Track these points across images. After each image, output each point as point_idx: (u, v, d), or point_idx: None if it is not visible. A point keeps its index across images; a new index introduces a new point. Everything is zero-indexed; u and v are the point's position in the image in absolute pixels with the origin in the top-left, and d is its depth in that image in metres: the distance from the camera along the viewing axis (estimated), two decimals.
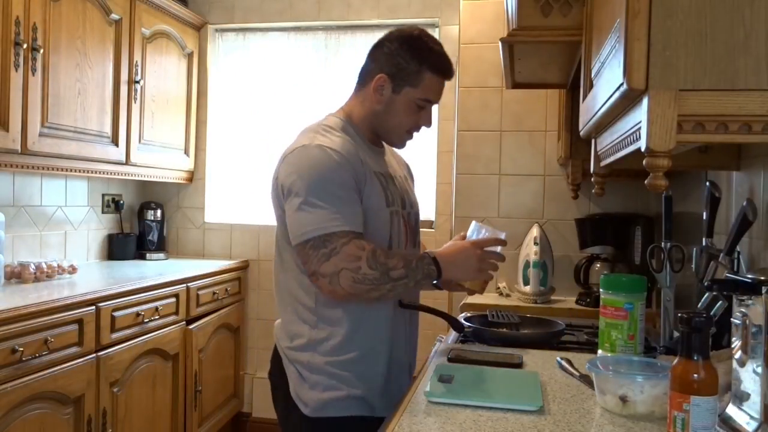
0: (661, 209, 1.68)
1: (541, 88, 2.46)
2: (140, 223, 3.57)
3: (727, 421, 0.96)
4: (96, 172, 2.85)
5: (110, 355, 2.39)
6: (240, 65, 3.77)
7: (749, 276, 0.94)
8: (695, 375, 0.83)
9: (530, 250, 2.43)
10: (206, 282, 3.16)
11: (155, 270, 3.05)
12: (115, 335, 2.44)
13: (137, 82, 3.05)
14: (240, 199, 3.79)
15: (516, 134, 2.72)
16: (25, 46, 2.33)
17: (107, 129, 2.88)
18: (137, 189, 3.69)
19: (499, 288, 2.58)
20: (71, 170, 2.69)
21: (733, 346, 0.96)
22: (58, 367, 2.13)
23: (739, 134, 0.84)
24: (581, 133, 1.40)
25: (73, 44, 2.63)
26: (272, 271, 1.60)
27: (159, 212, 3.62)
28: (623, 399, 1.09)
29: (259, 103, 3.74)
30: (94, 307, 2.31)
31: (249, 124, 3.76)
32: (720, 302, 1.29)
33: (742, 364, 0.94)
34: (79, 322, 2.23)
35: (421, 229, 1.70)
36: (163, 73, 3.32)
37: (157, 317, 2.70)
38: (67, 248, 3.13)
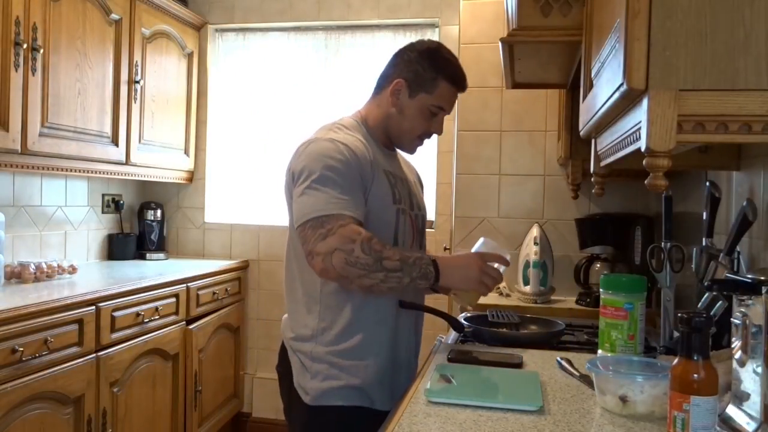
0: (661, 209, 1.68)
1: (541, 88, 2.46)
2: (140, 223, 3.57)
3: (727, 421, 0.96)
4: (96, 172, 2.85)
5: (110, 355, 2.39)
6: (240, 65, 3.77)
7: (749, 276, 0.94)
8: (695, 375, 0.83)
9: (530, 250, 2.43)
10: (206, 282, 3.16)
11: (155, 270, 3.05)
12: (115, 335, 2.44)
13: (137, 82, 3.05)
14: (240, 199, 3.79)
15: (516, 134, 2.73)
16: (25, 46, 2.33)
17: (107, 129, 2.88)
18: (137, 189, 3.69)
19: (499, 288, 2.58)
20: (71, 170, 2.69)
21: (733, 346, 0.96)
22: (58, 367, 2.13)
23: (739, 134, 0.84)
24: (581, 133, 1.40)
25: (73, 44, 2.63)
26: (282, 266, 1.61)
27: (159, 212, 3.62)
28: (623, 399, 1.09)
29: (259, 103, 3.74)
30: (94, 307, 2.31)
31: (249, 124, 3.76)
32: (720, 302, 1.29)
33: (742, 364, 0.94)
34: (79, 322, 2.23)
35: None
36: (163, 73, 3.33)
37: (157, 317, 2.70)
38: (67, 248, 3.13)
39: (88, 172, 2.80)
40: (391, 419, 1.12)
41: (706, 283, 1.21)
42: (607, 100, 1.00)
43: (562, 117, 2.36)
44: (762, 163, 1.39)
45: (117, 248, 3.42)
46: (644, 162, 0.87)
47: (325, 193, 1.39)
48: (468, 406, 1.13)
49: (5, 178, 2.75)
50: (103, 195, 3.40)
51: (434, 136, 1.65)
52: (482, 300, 2.28)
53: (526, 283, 2.42)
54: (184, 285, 2.95)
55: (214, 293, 3.24)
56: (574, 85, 2.09)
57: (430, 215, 3.40)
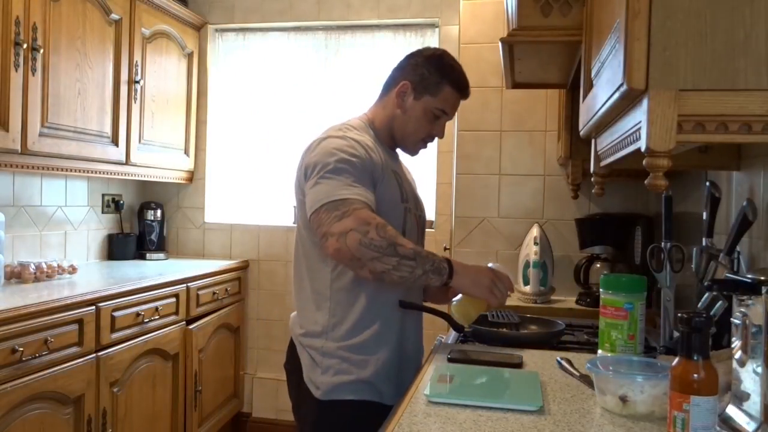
0: (661, 209, 1.68)
1: (541, 88, 2.46)
2: (140, 223, 3.57)
3: (727, 421, 0.96)
4: (96, 172, 2.85)
5: (110, 355, 2.39)
6: (240, 65, 3.77)
7: (749, 276, 0.94)
8: (695, 375, 0.83)
9: (530, 250, 2.43)
10: (206, 282, 3.16)
11: (155, 270, 3.05)
12: (115, 335, 2.44)
13: (137, 82, 3.05)
14: (240, 199, 3.79)
15: (516, 134, 2.73)
16: (25, 46, 2.33)
17: (107, 129, 2.88)
18: (137, 189, 3.69)
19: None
20: (71, 170, 2.69)
21: (733, 346, 0.96)
22: (58, 367, 2.13)
23: (739, 134, 0.84)
24: (581, 133, 1.40)
25: (73, 44, 2.63)
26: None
27: (159, 212, 3.62)
28: (623, 399, 1.09)
29: (259, 103, 3.74)
30: (94, 307, 2.31)
31: (249, 124, 3.76)
32: (720, 302, 1.29)
33: (742, 364, 0.94)
34: (79, 322, 2.23)
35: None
36: (163, 73, 3.33)
37: (157, 317, 2.70)
38: (67, 248, 3.13)
39: (88, 172, 2.80)
40: (391, 419, 1.12)
41: (706, 283, 1.21)
42: (607, 100, 1.00)
43: (562, 117, 2.36)
44: (762, 163, 1.39)
45: (117, 248, 3.42)
46: (644, 162, 0.87)
47: (339, 180, 1.42)
48: (468, 406, 1.13)
49: (5, 178, 2.75)
50: (103, 195, 3.40)
51: (435, 139, 1.68)
52: None
53: (526, 283, 2.42)
54: (184, 285, 2.95)
55: (214, 293, 3.24)
56: (574, 85, 2.09)
57: (431, 215, 3.41)
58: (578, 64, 1.61)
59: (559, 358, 1.46)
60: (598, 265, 2.45)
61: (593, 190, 1.55)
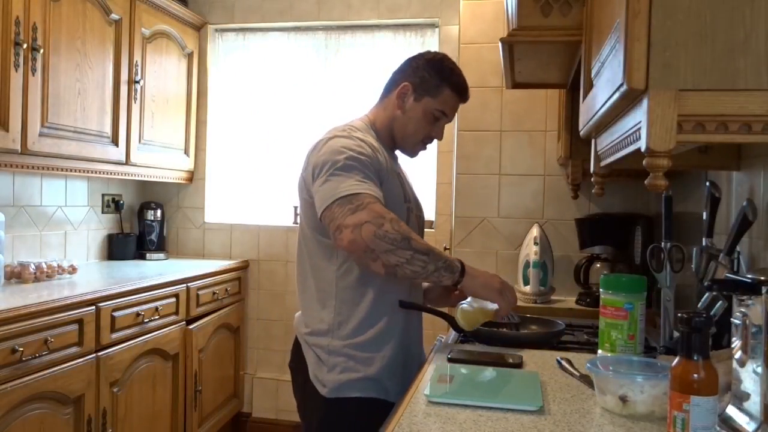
0: (661, 209, 1.68)
1: (541, 88, 2.46)
2: (140, 223, 3.57)
3: (727, 421, 0.96)
4: (96, 172, 2.85)
5: (110, 355, 2.39)
6: (240, 65, 3.77)
7: (749, 276, 0.94)
8: (695, 375, 0.83)
9: (530, 250, 2.43)
10: (206, 282, 3.16)
11: (155, 270, 3.05)
12: (115, 335, 2.44)
13: (137, 82, 3.05)
14: (240, 199, 3.79)
15: (516, 134, 2.73)
16: (25, 46, 2.33)
17: (107, 129, 2.88)
18: (137, 189, 3.69)
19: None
20: (71, 170, 2.69)
21: (733, 346, 0.96)
22: (58, 367, 2.13)
23: (739, 134, 0.83)
24: (581, 133, 1.40)
25: (73, 44, 2.63)
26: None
27: (159, 212, 3.62)
28: (623, 399, 1.09)
29: (259, 103, 3.74)
30: (94, 307, 2.31)
31: (249, 124, 3.76)
32: (720, 302, 1.29)
33: (742, 364, 0.94)
34: (79, 322, 2.23)
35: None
36: (163, 73, 3.33)
37: (157, 317, 2.70)
38: (67, 248, 3.13)
39: (88, 172, 2.80)
40: (391, 419, 1.12)
41: (706, 283, 1.21)
42: (607, 100, 1.00)
43: (562, 117, 2.36)
44: (762, 163, 1.39)
45: (117, 248, 3.42)
46: (644, 162, 0.87)
47: (350, 177, 1.44)
48: (468, 406, 1.13)
49: (5, 178, 2.75)
50: (103, 195, 3.40)
51: (434, 140, 1.70)
52: None
53: (526, 283, 2.42)
54: (184, 285, 2.95)
55: (214, 293, 3.24)
56: (574, 85, 2.09)
57: (431, 215, 3.41)
58: (578, 64, 1.61)
59: (559, 358, 1.46)
60: (598, 265, 2.45)
61: (593, 190, 1.55)
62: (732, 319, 0.96)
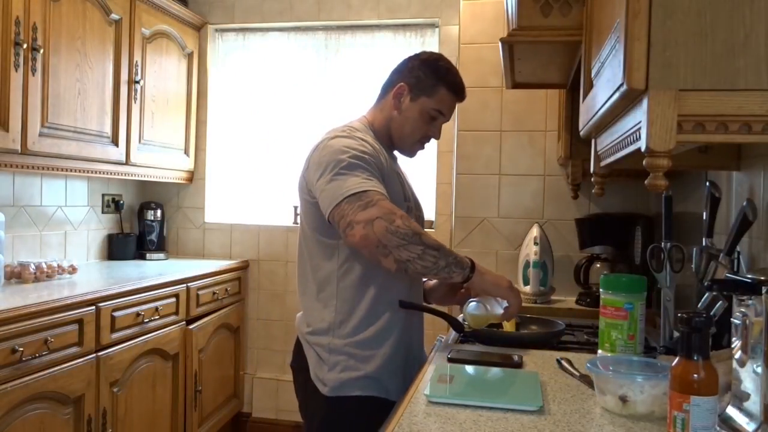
0: (661, 209, 1.68)
1: (541, 88, 2.46)
2: (140, 223, 3.57)
3: (727, 421, 0.96)
4: (96, 172, 2.85)
5: (110, 355, 2.39)
6: (240, 65, 3.77)
7: (749, 276, 0.94)
8: (695, 375, 0.83)
9: (530, 250, 2.43)
10: (206, 282, 3.16)
11: (155, 270, 3.05)
12: (115, 335, 2.44)
13: (137, 82, 3.05)
14: (240, 199, 3.79)
15: (516, 134, 2.73)
16: (25, 46, 2.33)
17: (107, 129, 2.88)
18: (137, 189, 3.69)
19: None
20: (71, 170, 2.69)
21: (733, 346, 0.96)
22: (58, 367, 2.13)
23: (739, 134, 0.83)
24: (581, 133, 1.40)
25: (73, 44, 2.63)
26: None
27: (159, 212, 3.62)
28: (623, 399, 1.09)
29: (259, 103, 3.74)
30: (94, 307, 2.31)
31: (249, 124, 3.76)
32: (720, 302, 1.29)
33: (742, 364, 0.94)
34: (79, 322, 2.23)
35: None
36: (163, 73, 3.33)
37: (157, 317, 2.70)
38: (67, 248, 3.13)
39: (88, 172, 2.80)
40: (391, 419, 1.12)
41: (706, 283, 1.21)
42: (607, 100, 1.00)
43: (562, 117, 2.36)
44: (762, 163, 1.39)
45: (117, 248, 3.42)
46: (644, 162, 0.87)
47: (356, 175, 1.45)
48: (468, 406, 1.13)
49: (5, 178, 2.75)
50: (103, 195, 3.40)
51: (431, 140, 1.71)
52: None
53: (526, 283, 2.42)
54: (184, 285, 2.95)
55: (214, 293, 3.24)
56: (574, 85, 2.09)
57: (431, 215, 3.41)
58: (578, 64, 1.61)
59: (559, 358, 1.46)
60: (598, 265, 2.45)
61: (593, 190, 1.55)
62: (732, 319, 0.96)
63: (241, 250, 3.70)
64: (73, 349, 2.21)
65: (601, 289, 1.47)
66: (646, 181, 0.90)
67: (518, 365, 1.42)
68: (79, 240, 3.21)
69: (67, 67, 2.59)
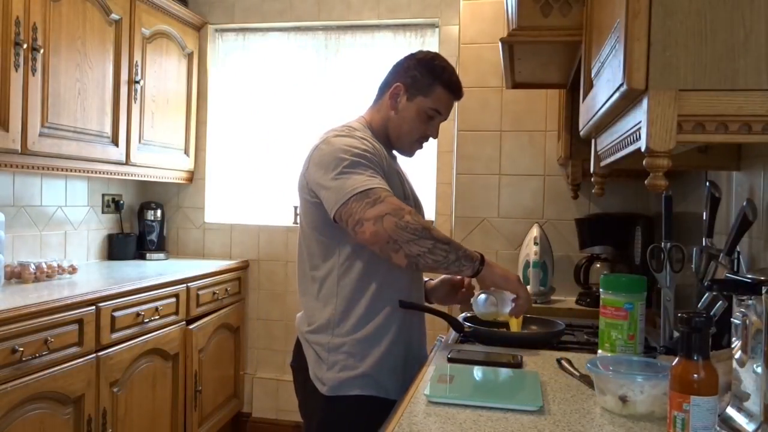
0: (661, 209, 1.68)
1: (541, 88, 2.46)
2: (140, 223, 3.57)
3: (727, 421, 0.96)
4: (96, 172, 2.85)
5: (110, 355, 2.39)
6: (240, 65, 3.77)
7: (749, 276, 0.94)
8: (695, 375, 0.83)
9: (530, 250, 2.43)
10: (206, 282, 3.16)
11: (155, 270, 3.05)
12: (115, 335, 2.44)
13: (137, 82, 3.05)
14: (240, 199, 3.79)
15: (516, 134, 2.72)
16: (25, 46, 2.33)
17: (107, 129, 2.88)
18: (137, 189, 3.69)
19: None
20: (71, 170, 2.69)
21: (733, 346, 0.96)
22: (58, 367, 2.13)
23: (739, 134, 0.83)
24: (581, 134, 1.40)
25: (73, 44, 2.63)
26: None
27: (159, 212, 3.62)
28: (623, 399, 1.09)
29: (259, 104, 3.74)
30: (94, 307, 2.31)
31: (249, 124, 3.76)
32: (720, 302, 1.29)
33: (742, 364, 0.94)
34: (79, 322, 2.23)
35: None
36: (163, 73, 3.33)
37: (157, 317, 2.70)
38: (67, 248, 3.13)
39: (88, 172, 2.80)
40: (391, 419, 1.12)
41: (706, 283, 1.21)
42: (607, 100, 1.00)
43: (562, 117, 2.36)
44: (762, 163, 1.39)
45: (117, 248, 3.42)
46: (644, 162, 0.87)
47: (361, 173, 1.45)
48: (468, 406, 1.13)
49: (5, 178, 2.75)
50: (103, 195, 3.40)
51: (430, 139, 1.70)
52: None
53: (526, 283, 2.42)
54: (184, 285, 2.95)
55: (214, 293, 3.24)
56: (574, 85, 2.09)
57: (431, 215, 3.41)
58: (578, 64, 1.61)
59: (559, 358, 1.46)
60: (598, 265, 2.45)
61: (593, 190, 1.55)
62: (732, 319, 0.96)
63: (241, 250, 3.70)
64: (73, 349, 2.21)
65: (601, 289, 1.47)
66: (646, 181, 0.90)
67: (518, 365, 1.42)
68: (79, 240, 3.21)
69: (67, 67, 2.59)
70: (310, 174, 1.54)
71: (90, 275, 2.82)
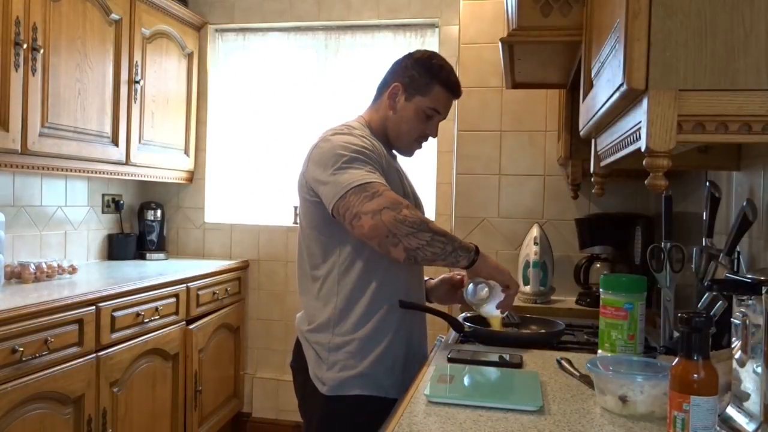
0: (661, 209, 1.68)
1: (541, 88, 2.46)
2: (140, 223, 3.57)
3: (727, 421, 0.96)
4: (96, 172, 2.85)
5: (110, 355, 2.39)
6: (240, 65, 3.77)
7: (749, 276, 0.94)
8: (695, 375, 0.83)
9: (530, 250, 2.43)
10: (206, 282, 3.16)
11: (155, 270, 3.05)
12: (115, 335, 2.44)
13: (137, 82, 3.05)
14: (240, 199, 3.79)
15: (516, 134, 2.73)
16: (25, 46, 2.33)
17: (107, 129, 2.88)
18: (137, 189, 3.69)
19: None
20: (71, 170, 2.69)
21: (733, 346, 0.96)
22: (58, 367, 2.13)
23: (739, 134, 0.84)
24: (581, 134, 1.40)
25: (73, 44, 2.63)
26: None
27: (159, 212, 3.62)
28: (623, 399, 1.09)
29: (259, 104, 3.74)
30: (94, 307, 2.31)
31: (249, 124, 3.76)
32: (720, 302, 1.29)
33: (742, 364, 0.94)
34: (79, 322, 2.23)
35: None
36: (163, 73, 3.32)
37: (157, 317, 2.70)
38: (67, 248, 3.13)
39: (88, 172, 2.80)
40: (391, 419, 1.12)
41: (706, 283, 1.21)
42: (607, 100, 1.00)
43: (562, 117, 2.36)
44: (762, 163, 1.39)
45: (117, 248, 3.42)
46: (644, 162, 0.87)
47: (359, 169, 1.46)
48: (468, 406, 1.13)
49: (5, 178, 2.75)
50: (103, 195, 3.40)
51: (429, 139, 1.70)
52: None
53: (526, 283, 2.42)
54: (184, 285, 2.95)
55: (214, 293, 3.24)
56: (574, 85, 2.09)
57: (431, 215, 3.41)
58: (578, 64, 1.61)
59: (559, 358, 1.46)
60: (598, 265, 2.45)
61: (593, 190, 1.55)
62: (732, 319, 0.96)
63: (241, 250, 3.70)
64: (73, 349, 2.21)
65: (601, 289, 1.47)
66: (646, 181, 0.90)
67: (518, 365, 1.42)
68: (79, 240, 3.21)
69: (67, 67, 2.59)
70: (309, 172, 1.54)
71: (90, 275, 2.82)
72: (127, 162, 3.02)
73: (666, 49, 0.83)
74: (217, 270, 3.31)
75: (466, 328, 1.71)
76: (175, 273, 2.95)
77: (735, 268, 1.37)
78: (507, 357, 1.47)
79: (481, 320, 1.72)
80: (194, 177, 3.75)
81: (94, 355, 2.31)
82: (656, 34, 0.83)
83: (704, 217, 1.50)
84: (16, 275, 2.50)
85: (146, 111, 3.16)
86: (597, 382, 1.15)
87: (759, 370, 0.89)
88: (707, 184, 1.50)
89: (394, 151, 1.72)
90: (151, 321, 2.66)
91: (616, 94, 0.92)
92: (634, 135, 0.93)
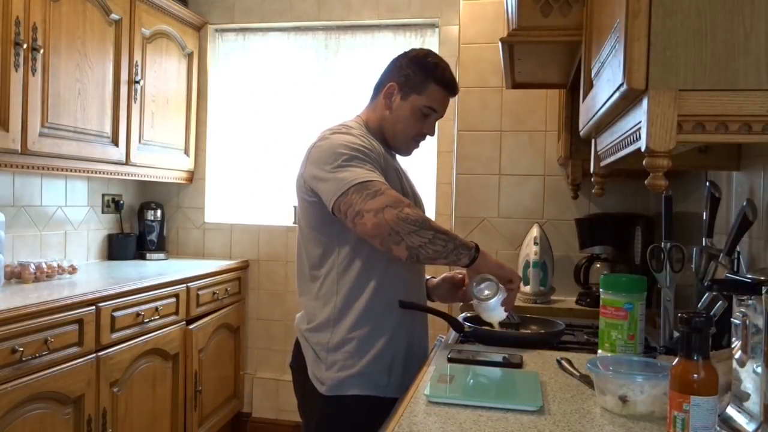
0: (661, 209, 1.68)
1: (541, 88, 2.46)
2: (140, 223, 3.57)
3: (727, 421, 0.96)
4: (96, 172, 2.85)
5: (110, 355, 2.39)
6: (240, 65, 3.77)
7: (749, 276, 0.94)
8: (695, 375, 0.83)
9: (530, 250, 2.43)
10: (206, 282, 3.16)
11: (155, 270, 3.05)
12: (115, 335, 2.44)
13: (137, 82, 3.05)
14: (240, 199, 3.79)
15: (516, 134, 2.72)
16: (25, 46, 2.33)
17: (107, 129, 2.88)
18: (137, 189, 3.69)
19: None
20: (71, 170, 2.69)
21: (733, 346, 0.96)
22: (58, 367, 2.13)
23: (739, 134, 0.83)
24: (581, 134, 1.40)
25: (73, 44, 2.63)
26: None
27: (159, 212, 3.62)
28: (623, 399, 1.09)
29: (259, 104, 3.74)
30: (94, 307, 2.31)
31: (249, 124, 3.76)
32: (720, 302, 1.29)
33: (742, 364, 0.94)
34: (79, 322, 2.23)
35: None
36: (163, 73, 3.33)
37: (157, 317, 2.70)
38: (67, 248, 3.13)
39: (88, 172, 2.80)
40: (391, 419, 1.12)
41: (706, 283, 1.21)
42: (607, 100, 1.00)
43: (562, 117, 2.35)
44: (762, 163, 1.39)
45: (117, 248, 3.42)
46: (644, 162, 0.87)
47: (359, 167, 1.46)
48: (468, 406, 1.13)
49: (5, 178, 2.75)
50: (103, 195, 3.40)
51: (427, 137, 1.70)
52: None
53: (526, 283, 2.42)
54: (184, 285, 2.95)
55: (214, 293, 3.24)
56: (574, 85, 2.09)
57: (431, 215, 3.41)
58: (578, 64, 1.61)
59: (559, 358, 1.46)
60: (598, 265, 2.44)
61: (593, 190, 1.55)
62: (732, 319, 0.96)
63: (241, 250, 3.70)
64: (73, 349, 2.21)
65: (601, 289, 1.47)
66: (646, 181, 0.90)
67: (518, 365, 1.42)
68: (79, 240, 3.21)
69: (67, 67, 2.59)
70: (308, 171, 1.54)
71: (90, 275, 2.82)
72: (127, 162, 3.02)
73: (666, 49, 0.83)
74: (217, 270, 3.31)
75: (466, 328, 1.71)
76: (175, 273, 2.95)
77: (735, 268, 1.37)
78: (507, 357, 1.47)
79: (481, 320, 1.72)
80: (194, 177, 3.75)
81: (94, 355, 2.31)
82: (656, 34, 0.83)
83: (704, 217, 1.50)
84: (16, 275, 2.50)
85: (146, 111, 3.16)
86: (597, 382, 1.15)
87: (759, 370, 0.89)
88: (707, 184, 1.50)
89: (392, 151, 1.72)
90: (151, 321, 2.66)
91: (616, 94, 0.92)
92: (634, 135, 0.93)
